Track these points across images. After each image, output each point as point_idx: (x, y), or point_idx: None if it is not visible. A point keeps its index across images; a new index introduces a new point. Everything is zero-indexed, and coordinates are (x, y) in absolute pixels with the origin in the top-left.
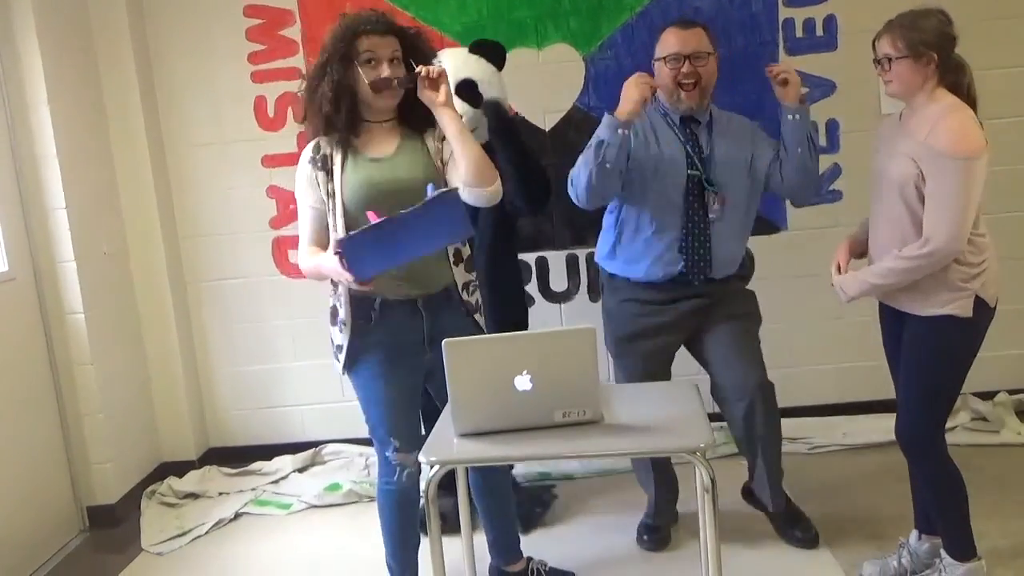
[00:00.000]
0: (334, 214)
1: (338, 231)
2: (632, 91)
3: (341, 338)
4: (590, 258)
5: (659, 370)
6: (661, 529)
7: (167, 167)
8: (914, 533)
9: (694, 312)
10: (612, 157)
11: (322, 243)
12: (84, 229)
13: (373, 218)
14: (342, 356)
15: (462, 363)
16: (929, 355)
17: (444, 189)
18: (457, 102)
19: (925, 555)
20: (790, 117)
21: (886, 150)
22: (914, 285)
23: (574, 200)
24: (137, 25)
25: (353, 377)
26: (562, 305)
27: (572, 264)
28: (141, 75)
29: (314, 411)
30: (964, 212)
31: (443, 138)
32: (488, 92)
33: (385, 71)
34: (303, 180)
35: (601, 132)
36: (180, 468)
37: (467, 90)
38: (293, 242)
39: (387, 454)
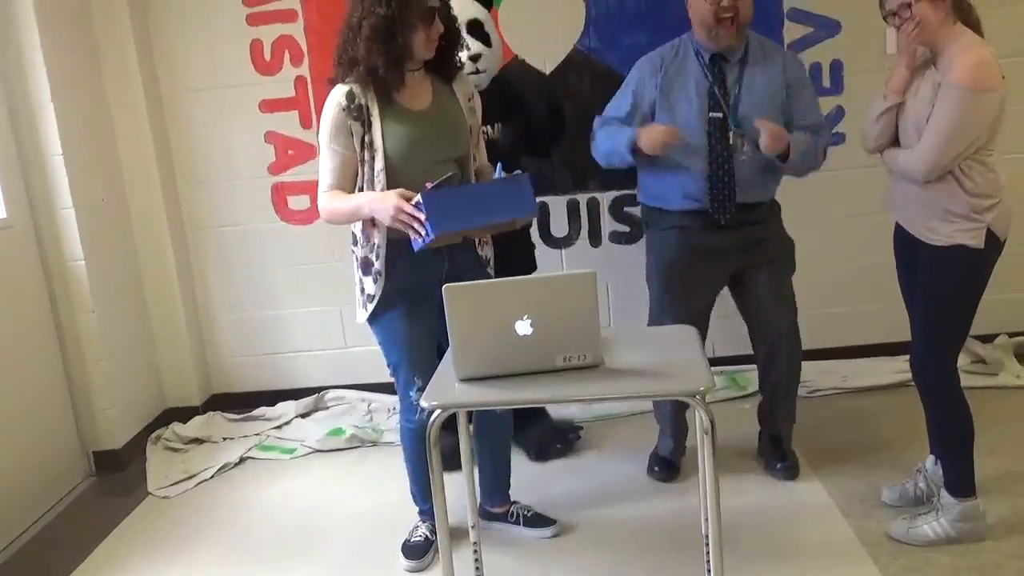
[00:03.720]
0: (371, 165)
1: (378, 183)
2: (657, 139)
3: (375, 288)
4: (591, 203)
5: (702, 305)
6: (672, 462)
7: (163, 113)
8: (930, 458)
9: (737, 244)
10: (620, 163)
11: (347, 189)
12: (82, 176)
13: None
14: (371, 305)
15: (463, 308)
16: (940, 285)
17: (517, 173)
18: (471, 40)
19: (941, 480)
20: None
21: (913, 91)
22: (930, 213)
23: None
24: None
25: (375, 323)
26: (563, 251)
27: (573, 209)
28: (135, 19)
29: (316, 357)
30: (949, 142)
31: (470, 97)
32: (489, 31)
33: (440, 27)
34: (333, 125)
35: (619, 144)
36: (184, 414)
37: (476, 30)
38: (292, 188)
39: (411, 394)
